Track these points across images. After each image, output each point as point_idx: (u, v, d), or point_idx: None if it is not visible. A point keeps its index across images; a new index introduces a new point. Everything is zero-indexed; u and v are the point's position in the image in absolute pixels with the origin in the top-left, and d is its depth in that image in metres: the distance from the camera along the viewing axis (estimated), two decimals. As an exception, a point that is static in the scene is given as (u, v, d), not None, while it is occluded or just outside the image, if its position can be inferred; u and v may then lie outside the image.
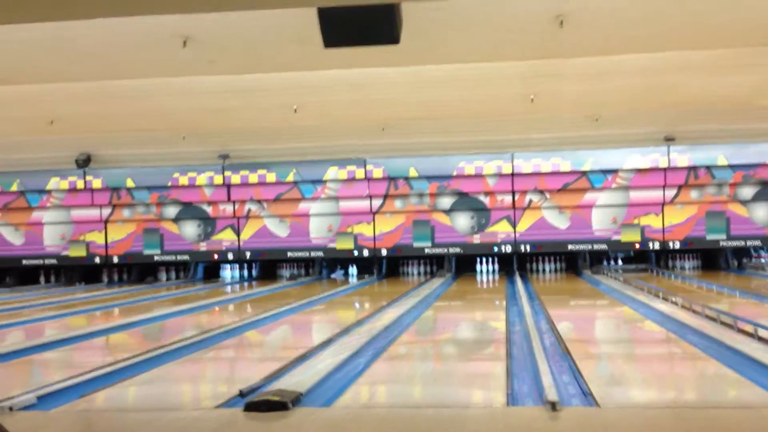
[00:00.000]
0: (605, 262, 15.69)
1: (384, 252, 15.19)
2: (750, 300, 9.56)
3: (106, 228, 15.97)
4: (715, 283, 11.34)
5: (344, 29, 6.53)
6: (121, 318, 9.35)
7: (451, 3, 5.96)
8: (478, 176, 14.82)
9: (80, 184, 15.58)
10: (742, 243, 14.64)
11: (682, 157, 14.37)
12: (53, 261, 16.15)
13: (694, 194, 14.70)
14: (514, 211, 15.07)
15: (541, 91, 9.83)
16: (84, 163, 15.25)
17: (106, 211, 15.88)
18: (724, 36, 7.46)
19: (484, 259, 15.70)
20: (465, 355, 6.43)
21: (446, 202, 15.11)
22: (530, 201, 14.99)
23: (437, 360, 6.11)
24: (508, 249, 15.10)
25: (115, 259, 15.95)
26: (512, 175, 14.85)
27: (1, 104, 10.98)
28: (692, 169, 14.50)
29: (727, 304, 9.17)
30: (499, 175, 14.85)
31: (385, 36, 6.45)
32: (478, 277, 14.98)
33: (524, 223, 15.08)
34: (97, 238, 15.98)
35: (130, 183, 15.49)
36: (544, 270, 15.53)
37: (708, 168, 14.49)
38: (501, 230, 15.11)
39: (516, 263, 15.36)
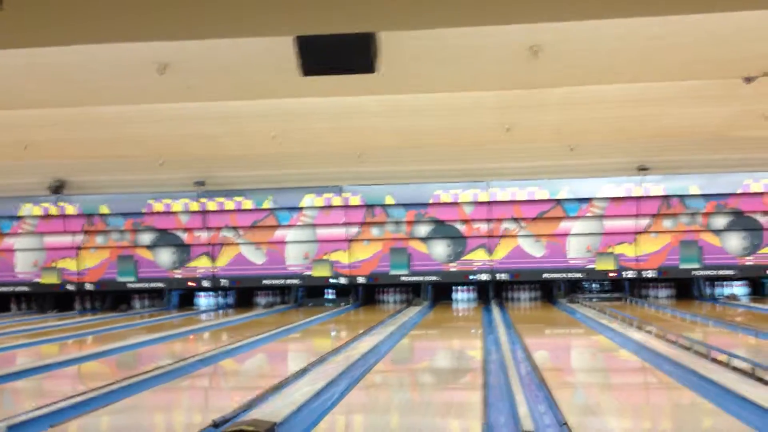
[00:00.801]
0: (580, 291, 15.76)
1: (361, 279, 15.16)
2: (723, 329, 9.64)
3: (79, 255, 15.80)
4: (689, 312, 11.43)
5: (321, 58, 6.57)
6: (94, 346, 9.23)
7: (428, 33, 6.03)
8: (455, 204, 14.88)
9: (53, 210, 15.43)
10: (715, 272, 14.79)
11: (655, 186, 14.54)
12: (25, 288, 15.92)
13: (667, 223, 14.86)
14: (490, 239, 15.13)
15: (517, 120, 9.93)
16: (58, 189, 15.13)
17: (80, 238, 15.72)
18: (697, 69, 7.60)
19: (460, 287, 15.71)
20: (442, 384, 6.41)
21: (423, 229, 15.14)
22: (506, 229, 15.06)
23: (414, 389, 6.08)
24: (485, 277, 15.13)
25: (89, 287, 15.76)
26: (489, 203, 14.92)
27: (-26, 129, 10.89)
28: (665, 198, 14.67)
29: (701, 333, 9.24)
30: (476, 203, 14.92)
31: (361, 65, 6.51)
32: (455, 305, 14.97)
33: (500, 251, 15.13)
34: (70, 265, 15.80)
35: (104, 209, 15.37)
36: (520, 298, 15.56)
37: (681, 197, 14.66)
38: (477, 258, 15.15)
39: (492, 291, 15.38)
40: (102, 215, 15.42)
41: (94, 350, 8.51)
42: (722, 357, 6.35)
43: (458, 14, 5.39)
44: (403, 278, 15.27)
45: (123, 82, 8.28)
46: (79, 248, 15.76)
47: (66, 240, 15.73)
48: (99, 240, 15.66)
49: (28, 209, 15.50)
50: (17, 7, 5.07)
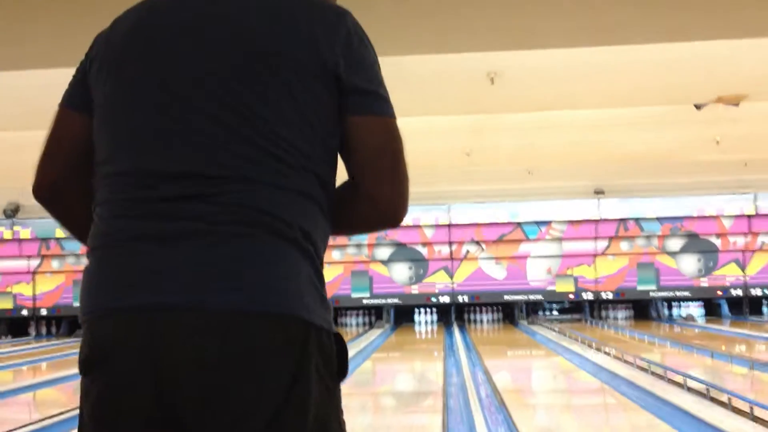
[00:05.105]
0: (541, 313, 15.88)
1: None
2: (680, 350, 9.79)
3: (34, 279, 15.51)
4: (647, 333, 11.60)
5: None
6: (50, 373, 9.06)
7: (389, 60, 6.11)
8: (416, 227, 14.94)
9: (8, 235, 15.15)
10: (671, 293, 15.03)
11: (612, 209, 14.77)
12: (-22, 313, 15.57)
13: (624, 246, 15.08)
14: (451, 261, 15.20)
15: (477, 145, 10.03)
16: (12, 213, 14.87)
17: (35, 262, 15.45)
18: (648, 96, 7.78)
19: (422, 310, 15.71)
20: (402, 408, 6.42)
21: (384, 252, 15.16)
22: (467, 252, 15.15)
23: (376, 412, 6.08)
24: (446, 299, 15.18)
25: (44, 312, 15.46)
26: (449, 225, 15.02)
27: (-73, 152, 10.68)
28: (622, 221, 14.91)
29: (658, 354, 9.38)
30: (437, 226, 15.01)
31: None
32: (417, 328, 14.99)
33: (461, 274, 15.20)
34: (24, 289, 15.49)
35: (59, 233, 15.11)
36: (481, 320, 15.62)
37: (637, 220, 14.91)
38: (439, 281, 15.20)
39: (454, 314, 15.41)
40: (58, 239, 15.18)
41: (50, 377, 8.36)
42: (678, 378, 6.46)
43: (416, 43, 5.46)
44: (365, 301, 15.25)
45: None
46: (34, 273, 15.48)
47: (21, 264, 15.44)
48: (55, 264, 15.40)
49: (-19, 233, 15.21)
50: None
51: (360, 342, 11.69)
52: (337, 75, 1.26)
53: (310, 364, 1.21)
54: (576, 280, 15.05)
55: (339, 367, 1.29)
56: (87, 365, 1.25)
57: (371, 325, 15.06)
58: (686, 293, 15.02)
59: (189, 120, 1.24)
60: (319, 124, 1.26)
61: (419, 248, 15.16)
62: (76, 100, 1.38)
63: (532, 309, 15.60)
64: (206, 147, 1.22)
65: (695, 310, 15.33)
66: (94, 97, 1.34)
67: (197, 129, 1.23)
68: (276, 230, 1.21)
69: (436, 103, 7.65)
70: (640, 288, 15.03)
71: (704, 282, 14.96)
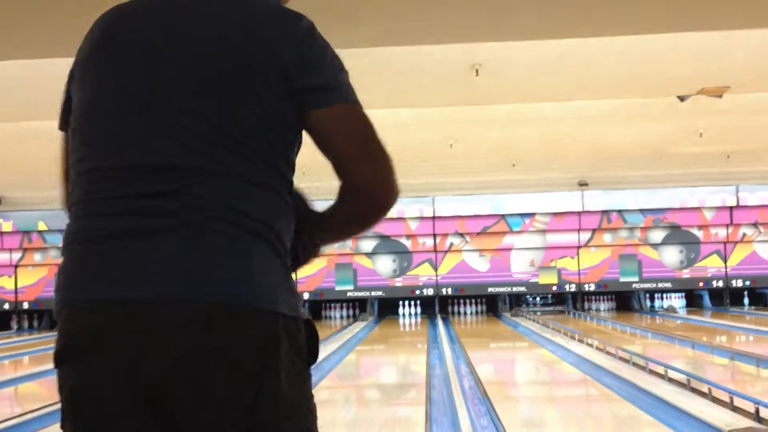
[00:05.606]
0: (524, 305, 15.95)
1: (306, 296, 15.08)
2: (661, 341, 9.86)
3: (16, 273, 15.39)
4: (629, 325, 11.67)
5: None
6: (32, 367, 9.00)
7: (372, 51, 6.08)
8: (400, 219, 14.93)
9: (-11, 227, 15.02)
10: (653, 285, 15.13)
11: (595, 201, 14.83)
12: (-41, 307, 15.44)
13: (607, 238, 15.16)
14: (435, 253, 15.22)
15: (460, 136, 10.04)
16: (-6, 205, 14.72)
17: (17, 255, 15.33)
18: (631, 88, 7.81)
19: (406, 302, 15.73)
20: (386, 400, 6.43)
21: (368, 245, 15.15)
22: (451, 244, 15.18)
23: (359, 405, 6.09)
24: (430, 292, 15.21)
25: (26, 305, 15.35)
26: (433, 218, 15.03)
27: None
28: (605, 213, 14.97)
29: (640, 345, 9.45)
30: (421, 218, 15.02)
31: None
32: (401, 320, 15.01)
33: (445, 266, 15.23)
34: (6, 283, 15.38)
35: (42, 226, 15.01)
36: (465, 312, 15.66)
37: (620, 212, 14.99)
38: (423, 273, 15.22)
39: (438, 306, 15.43)
40: (40, 232, 15.07)
41: (31, 371, 8.30)
42: (660, 369, 6.50)
43: (399, 34, 5.45)
44: (348, 293, 15.25)
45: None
46: (16, 266, 15.36)
47: (2, 258, 15.32)
48: (37, 257, 15.30)
49: (-38, 226, 15.06)
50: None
51: (344, 335, 11.69)
52: (291, 77, 1.31)
53: (281, 352, 1.26)
54: (559, 271, 15.12)
55: (309, 353, 1.34)
56: (62, 356, 1.29)
57: (355, 318, 15.07)
58: (668, 285, 15.13)
59: (158, 121, 1.29)
60: (278, 123, 1.31)
61: (403, 240, 15.17)
62: (65, 121, 1.43)
63: (516, 301, 15.67)
64: (176, 146, 1.27)
65: (677, 301, 15.46)
66: (73, 105, 1.39)
67: (166, 130, 1.28)
68: (245, 226, 1.27)
69: (420, 94, 7.65)
70: (622, 280, 15.12)
71: (686, 273, 15.07)
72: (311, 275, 15.02)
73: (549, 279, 15.14)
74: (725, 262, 15.02)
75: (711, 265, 15.05)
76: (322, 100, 1.32)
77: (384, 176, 1.35)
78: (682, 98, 7.95)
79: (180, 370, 1.21)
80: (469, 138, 10.15)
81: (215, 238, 1.24)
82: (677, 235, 15.04)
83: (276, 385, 1.25)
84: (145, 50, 1.33)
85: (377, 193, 1.36)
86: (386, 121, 9.42)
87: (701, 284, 15.09)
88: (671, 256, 15.10)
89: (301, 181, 1.40)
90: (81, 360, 1.25)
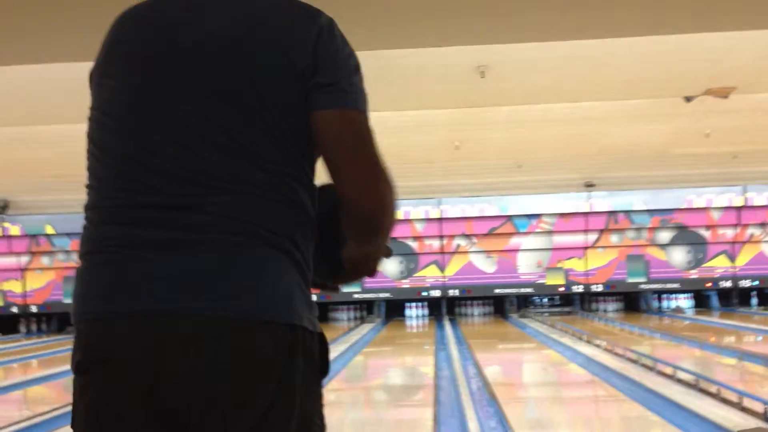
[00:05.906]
0: (531, 306, 15.91)
1: (313, 297, 15.03)
2: (669, 342, 9.84)
3: (24, 276, 15.44)
4: (637, 325, 11.64)
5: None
6: (40, 370, 9.03)
7: (378, 54, 6.09)
8: (406, 221, 14.92)
9: (-3, 231, 15.07)
10: (661, 285, 15.08)
11: (602, 202, 14.80)
12: (-33, 311, 15.49)
13: (614, 238, 15.12)
14: (442, 255, 15.21)
15: (467, 138, 10.04)
16: (1, 209, 14.78)
17: (25, 259, 15.37)
18: (637, 89, 7.80)
19: (413, 304, 15.71)
20: (394, 402, 6.42)
21: (375, 247, 15.09)
22: (458, 245, 15.16)
23: (367, 407, 6.09)
24: (437, 293, 15.20)
25: (34, 309, 15.39)
26: (440, 219, 15.02)
27: None
28: (612, 213, 14.94)
29: (648, 346, 9.42)
30: (427, 220, 15.01)
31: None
32: (408, 322, 15.00)
33: (452, 268, 15.22)
34: (14, 286, 15.42)
35: (49, 230, 15.05)
36: (472, 314, 15.64)
37: (627, 213, 14.94)
38: (430, 274, 15.21)
39: (445, 307, 15.41)
40: (47, 235, 15.11)
41: (40, 374, 8.33)
42: (668, 369, 6.49)
43: (406, 37, 5.46)
44: (355, 295, 15.24)
45: (70, 99, 8.15)
46: (24, 270, 15.41)
47: (10, 261, 15.36)
48: (44, 261, 15.33)
49: (-30, 230, 15.12)
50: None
51: (351, 336, 11.69)
52: (305, 76, 1.28)
53: (296, 367, 1.26)
54: (566, 272, 15.09)
55: (321, 367, 1.34)
56: (82, 368, 1.28)
57: (362, 320, 15.06)
58: (676, 285, 15.08)
59: (176, 132, 1.27)
60: (298, 131, 1.29)
61: (410, 242, 15.16)
62: None
63: (523, 302, 15.64)
64: (193, 159, 1.25)
65: (684, 301, 15.41)
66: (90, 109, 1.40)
67: (184, 141, 1.26)
68: (264, 239, 1.26)
69: (427, 96, 7.66)
70: (630, 280, 15.07)
71: (694, 274, 15.02)
72: (318, 277, 14.97)
73: (556, 280, 15.11)
74: (733, 262, 14.97)
75: (719, 266, 14.99)
76: (321, 101, 1.29)
77: (368, 186, 1.32)
78: (688, 99, 7.95)
79: (198, 384, 1.21)
80: (475, 140, 10.16)
81: (236, 252, 1.24)
82: (685, 235, 15.00)
83: (290, 400, 1.25)
84: (161, 53, 1.30)
85: (360, 202, 1.33)
86: (392, 122, 9.45)
87: (709, 284, 15.04)
88: (679, 256, 15.06)
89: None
90: (101, 373, 1.25)
